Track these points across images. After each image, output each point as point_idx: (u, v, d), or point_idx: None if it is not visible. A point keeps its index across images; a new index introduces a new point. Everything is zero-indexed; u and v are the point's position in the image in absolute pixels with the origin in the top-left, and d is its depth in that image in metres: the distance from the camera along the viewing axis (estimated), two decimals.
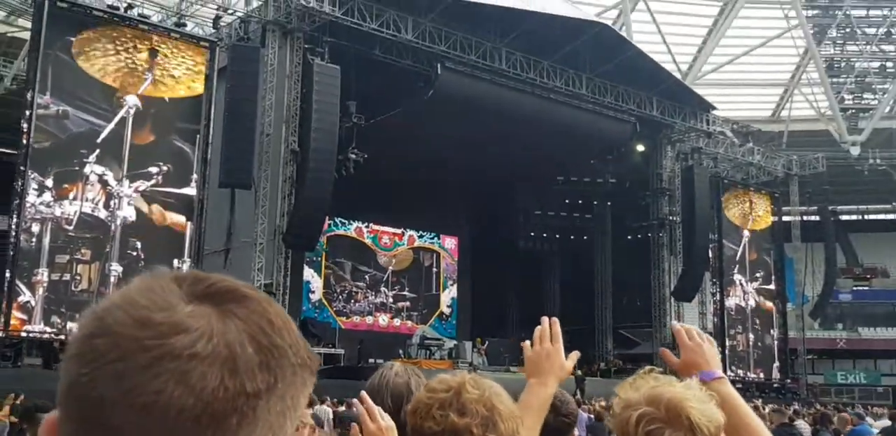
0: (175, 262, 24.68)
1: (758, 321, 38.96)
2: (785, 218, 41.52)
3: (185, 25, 26.53)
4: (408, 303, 38.55)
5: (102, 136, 24.06)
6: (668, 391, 1.70)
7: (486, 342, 33.09)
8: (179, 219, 25.35)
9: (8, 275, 21.76)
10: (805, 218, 44.18)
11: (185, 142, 25.72)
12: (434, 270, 39.79)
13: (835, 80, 46.18)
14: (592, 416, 14.83)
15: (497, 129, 31.71)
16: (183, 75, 25.77)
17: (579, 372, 31.64)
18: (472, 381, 1.80)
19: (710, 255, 37.16)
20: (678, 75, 40.78)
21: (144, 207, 24.72)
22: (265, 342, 0.72)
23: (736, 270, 38.44)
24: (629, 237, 40.07)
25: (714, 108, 38.41)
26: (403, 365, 2.69)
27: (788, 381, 39.44)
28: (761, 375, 38.18)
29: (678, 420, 1.64)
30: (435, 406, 1.74)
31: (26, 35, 26.51)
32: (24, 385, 17.35)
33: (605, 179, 40.97)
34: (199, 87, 25.92)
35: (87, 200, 23.60)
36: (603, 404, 19.07)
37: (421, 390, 1.82)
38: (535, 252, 43.11)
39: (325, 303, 35.45)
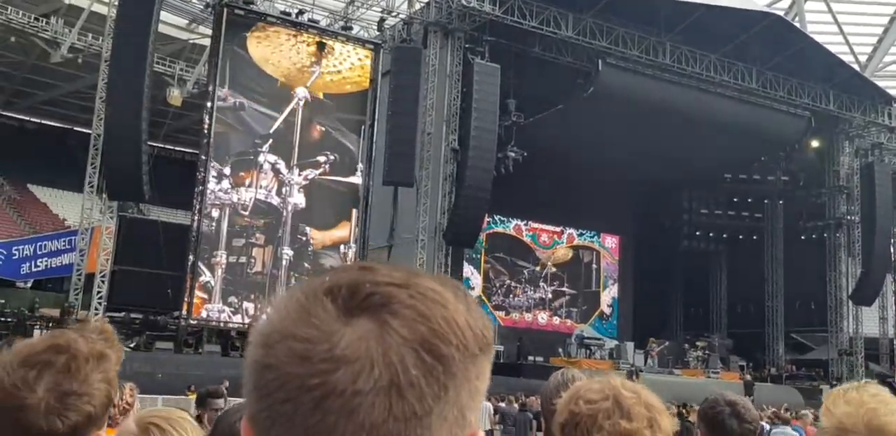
0: (342, 247, 26.10)
1: None
2: None
3: (351, 29, 27.49)
4: (567, 298, 38.33)
5: (275, 126, 25.71)
6: (892, 423, 1.62)
7: (666, 343, 32.33)
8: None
9: (191, 257, 23.64)
10: None
11: (351, 133, 26.89)
12: (594, 267, 39.36)
13: None
14: (765, 424, 14.11)
15: (660, 125, 30.94)
16: (348, 70, 26.85)
17: (748, 377, 30.50)
18: (622, 384, 1.79)
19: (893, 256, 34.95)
20: (856, 67, 38.41)
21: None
22: (429, 356, 0.70)
23: None
24: (803, 238, 38.18)
25: None
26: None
27: None
28: None
29: None
30: (600, 416, 1.74)
31: (206, 41, 28.21)
32: (205, 370, 18.55)
33: (776, 176, 39.23)
34: (364, 82, 26.96)
35: (261, 187, 25.31)
36: (773, 411, 18.26)
37: (571, 403, 1.79)
38: (700, 252, 41.81)
39: (485, 299, 35.77)
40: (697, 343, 33.72)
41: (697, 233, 41.54)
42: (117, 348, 1.52)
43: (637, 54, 29.98)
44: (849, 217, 36.14)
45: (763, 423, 14.23)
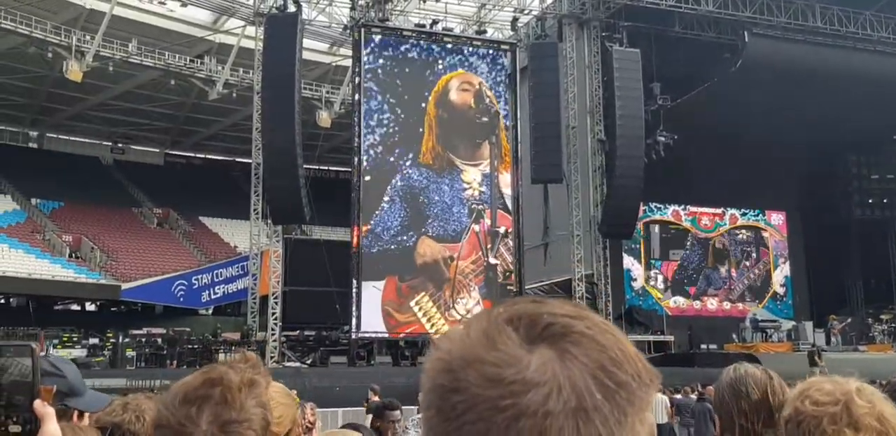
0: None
1: None
2: None
3: (485, 32, 27.64)
4: (736, 283, 36.94)
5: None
6: None
7: (848, 319, 30.58)
8: None
9: (355, 273, 24.33)
10: None
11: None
12: (762, 247, 37.77)
13: None
14: None
15: (817, 91, 29.40)
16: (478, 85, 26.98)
17: None
18: (859, 391, 1.72)
19: None
20: None
21: None
22: (610, 382, 0.74)
23: None
24: None
25: None
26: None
27: None
28: None
29: None
30: (825, 420, 1.69)
31: (348, 62, 29.06)
32: (378, 381, 19.03)
33: None
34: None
35: None
36: None
37: (798, 400, 1.75)
38: (875, 221, 39.18)
39: (648, 290, 34.95)
40: (882, 316, 31.75)
41: (870, 200, 39.04)
42: (265, 373, 1.61)
43: (785, 21, 28.69)
44: None
45: None
